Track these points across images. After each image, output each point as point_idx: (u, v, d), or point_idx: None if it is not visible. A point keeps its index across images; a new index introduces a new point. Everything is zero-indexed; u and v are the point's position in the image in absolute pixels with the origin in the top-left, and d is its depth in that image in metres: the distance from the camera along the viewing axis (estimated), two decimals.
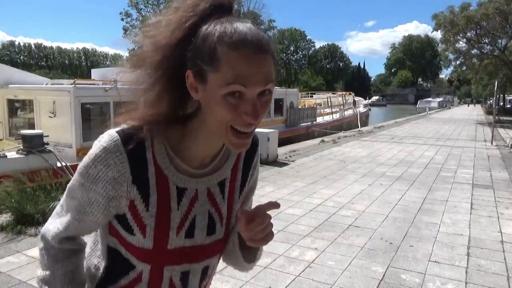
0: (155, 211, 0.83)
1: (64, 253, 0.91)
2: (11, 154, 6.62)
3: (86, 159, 0.81)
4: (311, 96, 25.00)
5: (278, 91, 16.42)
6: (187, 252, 0.89)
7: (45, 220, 4.34)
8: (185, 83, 0.78)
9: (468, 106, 62.69)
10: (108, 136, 0.80)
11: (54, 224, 0.90)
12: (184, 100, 0.82)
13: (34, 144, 6.52)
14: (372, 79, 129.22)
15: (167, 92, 0.80)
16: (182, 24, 0.76)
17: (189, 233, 0.88)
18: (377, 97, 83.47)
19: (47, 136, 6.96)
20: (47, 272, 0.91)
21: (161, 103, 0.80)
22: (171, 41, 0.77)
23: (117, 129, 0.81)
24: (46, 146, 6.67)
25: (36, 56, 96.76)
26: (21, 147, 6.66)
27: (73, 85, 7.92)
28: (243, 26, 0.75)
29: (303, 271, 3.41)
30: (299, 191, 6.24)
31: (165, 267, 0.88)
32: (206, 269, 0.96)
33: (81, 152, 7.62)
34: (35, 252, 3.69)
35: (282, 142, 10.58)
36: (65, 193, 0.88)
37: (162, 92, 0.80)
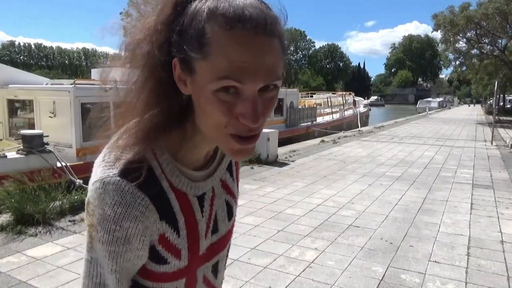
0: (185, 233, 0.75)
1: None
2: (11, 154, 6.62)
3: (102, 222, 0.65)
4: (311, 96, 24.99)
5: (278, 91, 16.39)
6: (215, 246, 0.86)
7: (45, 220, 4.37)
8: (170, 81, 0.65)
9: (469, 106, 62.62)
10: (114, 187, 0.64)
11: None
12: (177, 98, 0.66)
13: (34, 144, 6.52)
14: (372, 79, 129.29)
15: (158, 90, 0.65)
16: (169, 1, 0.62)
17: (215, 230, 0.84)
18: (375, 97, 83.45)
19: (47, 136, 6.96)
20: None
21: (152, 105, 0.66)
22: (159, 21, 0.62)
23: (114, 170, 0.65)
24: (46, 146, 6.66)
25: (36, 56, 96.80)
26: (21, 147, 6.65)
27: (73, 85, 7.93)
28: (242, 0, 0.58)
29: (303, 271, 3.41)
30: (299, 191, 6.24)
31: (197, 269, 0.83)
32: (229, 246, 0.94)
33: (81, 152, 7.63)
34: (35, 252, 3.70)
35: (282, 142, 10.58)
36: (96, 269, 0.70)
37: (152, 91, 0.65)
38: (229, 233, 0.91)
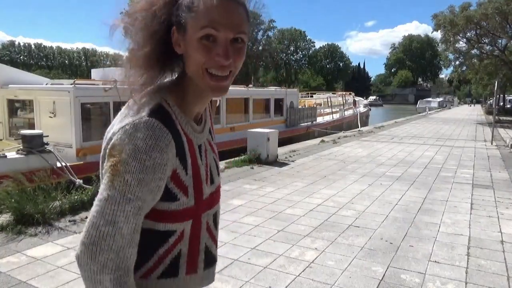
0: (191, 172, 0.91)
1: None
2: (11, 154, 6.62)
3: (134, 154, 0.78)
4: (311, 96, 25.00)
5: (278, 91, 16.43)
6: (214, 196, 1.04)
7: (45, 220, 4.36)
8: (170, 45, 0.87)
9: (470, 106, 62.32)
10: (145, 124, 0.80)
11: (126, 250, 0.79)
12: (171, 60, 0.90)
13: (34, 144, 6.52)
14: (372, 79, 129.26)
15: (156, 52, 0.86)
16: None
17: (212, 180, 1.03)
18: (374, 97, 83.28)
19: (47, 136, 6.96)
20: None
21: (151, 65, 0.86)
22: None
23: (143, 113, 0.82)
24: (46, 146, 6.66)
25: (36, 56, 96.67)
26: (21, 147, 6.65)
27: (73, 85, 7.93)
28: None
29: (303, 271, 3.40)
30: (299, 191, 6.24)
31: (202, 215, 0.98)
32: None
33: (81, 152, 7.63)
34: (35, 252, 3.70)
35: (282, 142, 10.58)
36: (108, 207, 0.78)
37: (151, 53, 0.85)
38: (219, 187, 1.10)
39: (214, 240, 1.07)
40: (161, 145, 0.81)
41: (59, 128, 7.81)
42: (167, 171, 0.84)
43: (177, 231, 0.92)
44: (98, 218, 0.78)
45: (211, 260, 1.07)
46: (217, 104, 11.33)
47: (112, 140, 0.81)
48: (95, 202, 0.80)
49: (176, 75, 0.95)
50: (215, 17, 0.81)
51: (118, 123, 0.84)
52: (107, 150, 0.82)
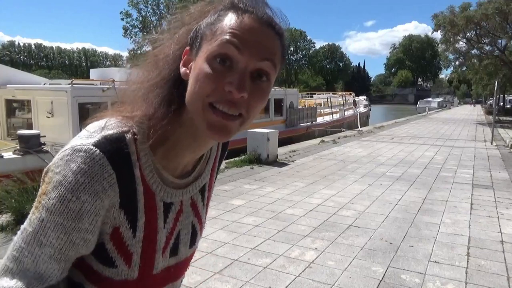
0: (142, 235, 0.69)
1: None
2: (8, 155, 6.61)
3: (59, 190, 0.60)
4: (311, 96, 25.00)
5: (278, 91, 16.43)
6: (171, 271, 0.79)
7: None
8: (178, 81, 0.68)
9: (474, 106, 61.76)
10: (84, 154, 0.61)
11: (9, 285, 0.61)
12: (172, 96, 0.68)
13: (31, 144, 6.51)
14: (372, 79, 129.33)
15: (160, 86, 0.68)
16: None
17: (174, 251, 0.78)
18: (364, 97, 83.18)
19: (44, 136, 6.96)
20: None
21: (150, 98, 0.68)
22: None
23: (92, 140, 0.63)
24: (43, 146, 6.66)
25: (36, 56, 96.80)
26: (18, 147, 6.65)
27: (71, 85, 7.93)
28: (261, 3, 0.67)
29: (303, 271, 3.40)
30: (299, 191, 6.24)
31: None
32: (182, 280, 0.87)
33: None
34: None
35: (281, 142, 10.57)
36: (19, 243, 0.63)
37: (155, 86, 0.68)
38: (187, 261, 0.84)
39: None
40: (96, 187, 0.60)
41: (56, 128, 7.82)
42: (99, 224, 0.64)
43: None
44: (10, 249, 0.63)
45: None
46: None
47: (50, 164, 0.64)
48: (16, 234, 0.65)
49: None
50: (239, 32, 0.61)
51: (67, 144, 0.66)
52: (42, 173, 0.65)
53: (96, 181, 0.60)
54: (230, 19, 0.63)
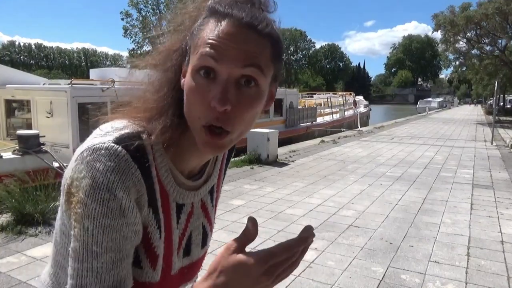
0: (164, 236, 0.69)
1: None
2: (7, 155, 6.60)
3: (95, 193, 0.57)
4: (311, 96, 25.01)
5: (278, 91, 16.35)
6: (185, 272, 0.79)
7: (45, 220, 4.36)
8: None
9: (476, 106, 61.55)
10: (107, 151, 0.59)
11: None
12: (180, 98, 0.67)
13: (30, 145, 6.50)
14: (372, 79, 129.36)
15: (169, 83, 0.67)
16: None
17: (187, 251, 0.78)
18: (361, 97, 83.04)
19: (44, 136, 6.95)
20: None
21: (160, 96, 0.67)
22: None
23: (110, 137, 0.61)
24: (42, 146, 6.65)
25: (36, 56, 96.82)
26: (17, 147, 6.65)
27: (70, 85, 7.93)
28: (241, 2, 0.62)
29: (303, 271, 3.40)
30: (299, 191, 6.24)
31: None
32: (195, 280, 0.86)
33: None
34: (35, 252, 3.69)
35: (282, 142, 10.58)
36: (72, 267, 0.59)
37: (165, 83, 0.67)
38: (200, 261, 0.84)
39: None
40: (128, 183, 0.59)
41: (56, 128, 7.81)
42: (139, 214, 0.63)
43: None
44: (71, 277, 0.60)
45: None
46: None
47: (70, 173, 0.60)
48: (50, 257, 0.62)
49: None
50: (216, 42, 0.58)
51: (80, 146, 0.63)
52: (64, 185, 0.61)
53: (127, 176, 0.59)
54: (209, 28, 0.60)
